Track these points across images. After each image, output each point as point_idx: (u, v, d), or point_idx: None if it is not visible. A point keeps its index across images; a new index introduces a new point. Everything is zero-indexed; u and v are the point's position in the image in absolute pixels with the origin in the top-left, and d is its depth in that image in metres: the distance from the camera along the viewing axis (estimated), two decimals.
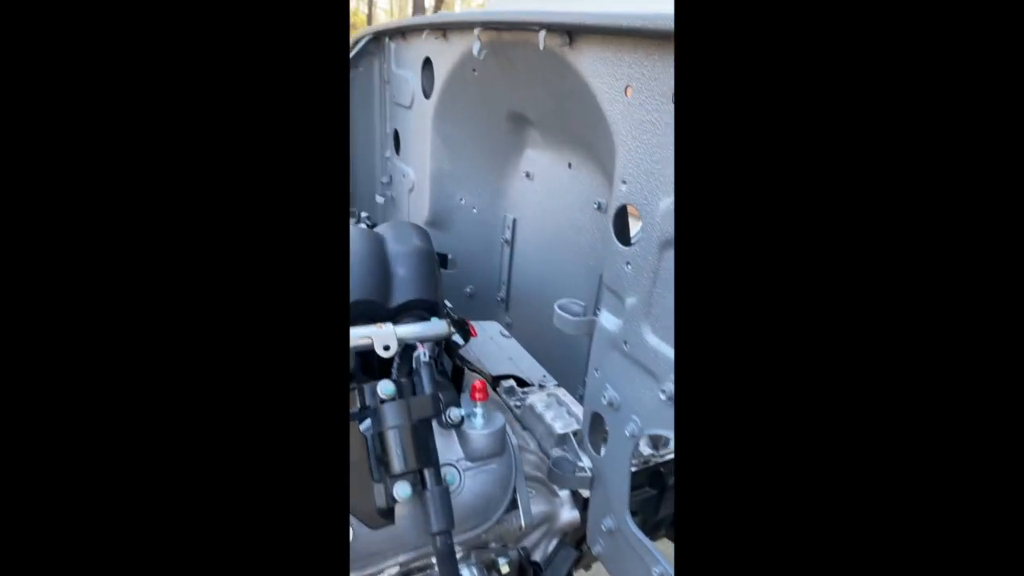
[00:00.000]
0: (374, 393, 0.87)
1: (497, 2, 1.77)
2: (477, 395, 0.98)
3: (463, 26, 1.38)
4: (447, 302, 1.49)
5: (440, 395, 0.94)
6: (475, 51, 1.27)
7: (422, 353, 0.93)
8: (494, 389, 2.08)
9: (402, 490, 0.82)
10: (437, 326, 1.07)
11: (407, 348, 0.99)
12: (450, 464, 0.95)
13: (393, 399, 0.87)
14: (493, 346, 2.00)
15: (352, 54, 1.98)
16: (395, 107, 1.97)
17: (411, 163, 1.93)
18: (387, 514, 0.84)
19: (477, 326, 2.01)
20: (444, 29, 1.49)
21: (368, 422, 0.88)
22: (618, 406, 0.93)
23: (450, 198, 1.81)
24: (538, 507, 1.27)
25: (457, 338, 1.09)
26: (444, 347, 1.12)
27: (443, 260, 1.90)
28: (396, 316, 1.14)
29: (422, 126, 1.76)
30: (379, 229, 1.37)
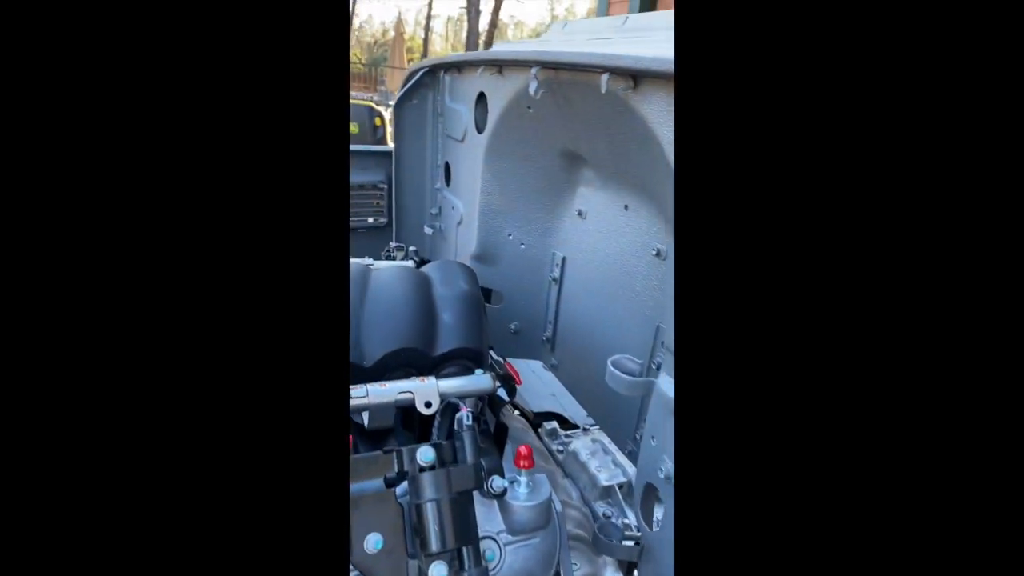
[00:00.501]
0: (412, 459, 0.82)
1: (551, 34, 1.74)
2: (522, 462, 0.91)
3: (520, 63, 1.34)
4: (492, 350, 1.44)
5: (483, 461, 0.88)
6: (531, 90, 1.22)
7: (465, 416, 0.87)
8: (535, 429, 2.01)
9: (438, 572, 0.76)
10: (482, 381, 1.01)
11: (449, 405, 0.94)
12: (490, 537, 0.88)
13: (432, 467, 0.81)
14: (536, 380, 1.92)
15: (407, 86, 1.99)
16: (447, 140, 1.95)
17: (461, 196, 1.90)
18: None
19: (520, 364, 1.94)
20: (500, 65, 1.46)
21: (405, 486, 0.83)
22: None
23: (498, 232, 1.76)
24: (580, 572, 1.18)
25: (502, 393, 1.02)
26: (488, 402, 1.06)
27: (488, 295, 1.85)
28: (439, 365, 1.09)
29: (473, 160, 1.73)
30: (427, 269, 1.34)
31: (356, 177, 2.40)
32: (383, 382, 0.95)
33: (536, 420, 2.08)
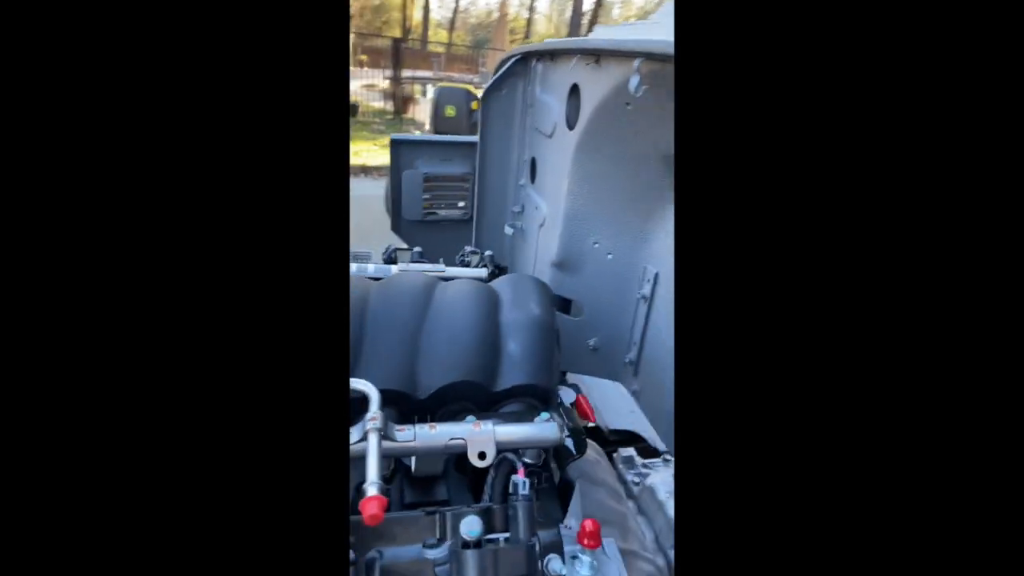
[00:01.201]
0: (456, 527, 0.70)
1: (661, 15, 1.52)
2: (586, 541, 0.76)
3: (621, 54, 1.15)
4: (567, 377, 1.29)
5: (539, 536, 0.74)
6: (632, 86, 1.04)
7: (521, 483, 0.74)
8: (610, 456, 1.84)
9: None
10: (546, 430, 0.86)
11: (505, 460, 0.81)
12: None
13: (478, 543, 0.69)
14: (614, 392, 1.75)
15: (498, 75, 1.85)
16: (535, 134, 1.80)
17: (545, 196, 1.75)
18: None
19: (597, 386, 1.77)
20: (597, 55, 1.28)
21: (443, 552, 0.71)
22: None
23: (583, 239, 1.60)
24: None
25: (570, 443, 0.88)
26: (553, 454, 0.91)
27: (566, 306, 1.70)
28: (500, 402, 0.96)
29: (562, 158, 1.57)
30: (498, 284, 1.20)
31: (442, 168, 2.33)
32: (432, 424, 0.83)
33: (611, 440, 1.91)
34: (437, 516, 0.75)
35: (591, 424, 1.25)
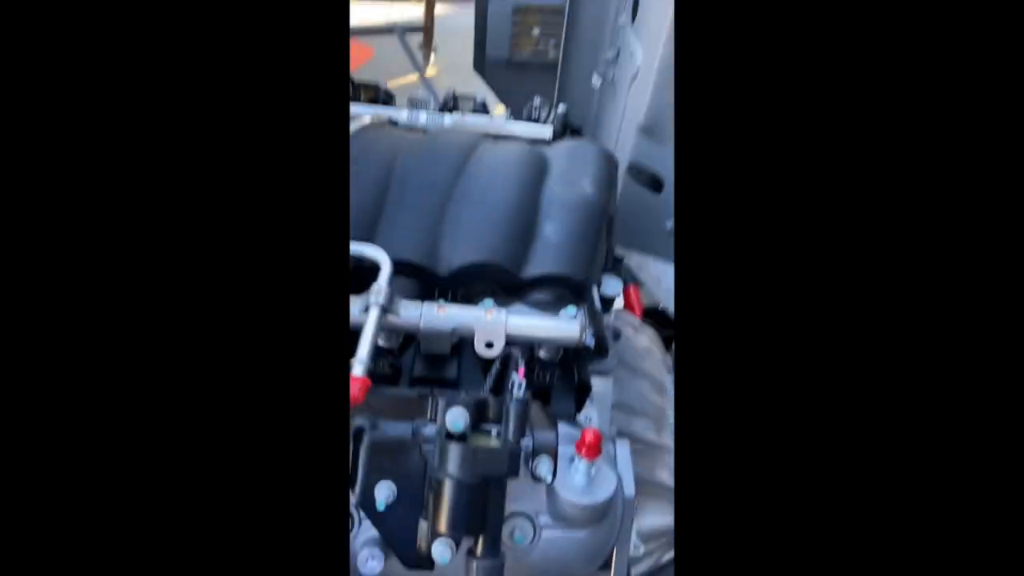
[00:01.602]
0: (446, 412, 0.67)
1: None
2: (584, 451, 0.71)
3: None
4: (631, 262, 1.15)
5: (532, 438, 0.70)
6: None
7: (516, 385, 0.68)
8: (669, 344, 1.74)
9: (440, 554, 0.64)
10: (566, 327, 0.78)
11: (510, 355, 0.74)
12: (525, 516, 0.74)
13: (463, 436, 0.66)
14: None
15: None
16: None
17: (643, 40, 1.45)
18: (425, 561, 0.69)
19: (665, 273, 1.61)
20: None
21: (432, 433, 0.69)
22: None
23: None
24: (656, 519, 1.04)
25: (590, 339, 0.79)
26: (573, 353, 0.83)
27: (656, 183, 1.49)
28: (527, 290, 0.87)
29: None
30: (553, 151, 1.04)
31: None
32: (442, 304, 0.77)
33: (668, 336, 1.80)
34: (429, 399, 0.72)
35: (636, 318, 1.14)
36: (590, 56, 1.72)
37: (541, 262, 0.86)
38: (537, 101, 1.32)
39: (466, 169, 0.93)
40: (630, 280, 1.10)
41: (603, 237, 0.93)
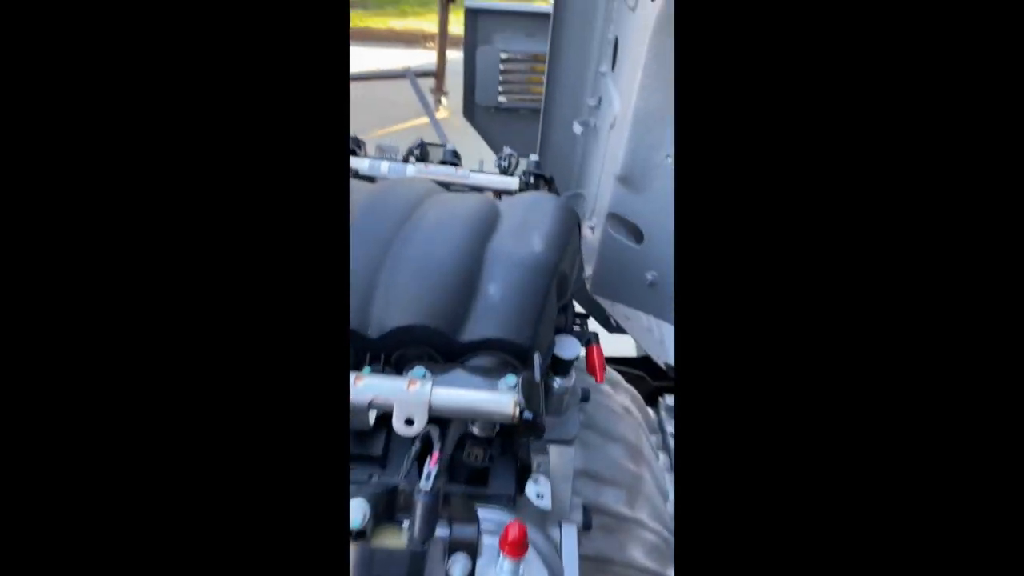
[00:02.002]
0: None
1: None
2: (507, 549, 0.62)
3: None
4: (588, 318, 1.08)
5: (450, 531, 0.62)
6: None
7: (425, 477, 0.60)
8: (653, 403, 1.64)
9: None
10: (496, 402, 0.70)
11: (428, 438, 0.67)
12: None
13: (362, 533, 0.58)
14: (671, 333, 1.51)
15: None
16: (621, 5, 1.42)
17: (620, 88, 1.41)
18: None
19: (656, 325, 1.53)
20: None
21: None
22: None
23: (654, 150, 1.29)
24: None
25: (527, 415, 0.71)
26: (508, 431, 0.76)
27: (637, 233, 1.42)
28: (465, 355, 0.80)
29: (639, 40, 1.22)
30: (508, 203, 0.99)
31: (525, 45, 2.00)
32: (359, 375, 0.71)
33: (655, 390, 1.70)
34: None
35: (599, 383, 1.06)
36: (572, 103, 1.69)
37: (481, 325, 0.79)
38: (507, 150, 1.28)
39: (409, 222, 0.88)
40: (594, 340, 1.02)
41: (552, 296, 0.86)
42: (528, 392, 0.70)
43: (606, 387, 1.33)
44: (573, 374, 0.97)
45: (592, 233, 1.64)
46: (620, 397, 1.32)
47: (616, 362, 1.97)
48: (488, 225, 0.90)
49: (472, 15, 1.97)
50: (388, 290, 0.81)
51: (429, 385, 0.70)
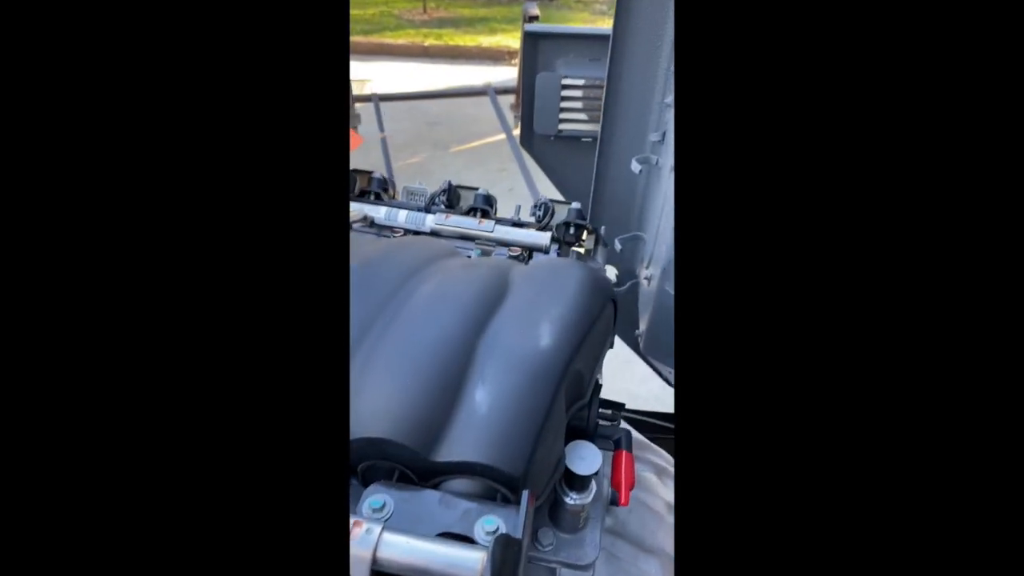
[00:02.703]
0: None
1: None
2: None
3: None
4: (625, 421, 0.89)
5: None
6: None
7: None
8: None
9: None
10: (459, 565, 0.54)
11: None
12: None
13: None
14: None
15: None
16: None
17: None
18: None
19: None
20: None
21: None
22: None
23: None
24: None
25: None
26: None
27: None
28: (437, 478, 0.65)
29: None
30: (524, 272, 0.83)
31: (588, 71, 1.83)
32: None
33: None
34: None
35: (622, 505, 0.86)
36: (634, 136, 1.49)
37: (460, 444, 0.64)
38: (542, 198, 1.12)
39: (396, 300, 0.74)
40: (624, 443, 0.83)
41: (559, 404, 0.69)
42: (502, 556, 0.53)
43: (648, 476, 1.13)
44: (593, 486, 0.79)
45: (648, 284, 1.43)
46: (664, 492, 1.11)
47: (666, 417, 1.73)
48: (489, 306, 0.74)
49: (532, 39, 1.83)
50: (357, 391, 0.67)
51: (377, 531, 0.55)
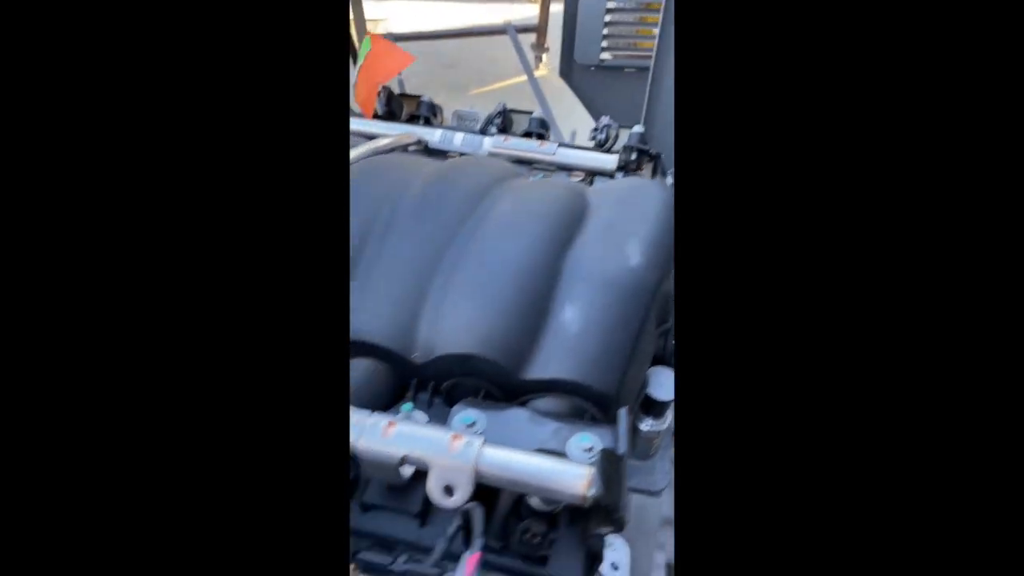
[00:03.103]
0: None
1: None
2: None
3: None
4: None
5: None
6: None
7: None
8: None
9: None
10: (566, 476, 0.52)
11: (468, 512, 0.51)
12: None
13: None
14: None
15: None
16: None
17: None
18: None
19: None
20: None
21: None
22: None
23: None
24: None
25: (599, 493, 0.53)
26: (577, 509, 0.58)
27: None
28: (529, 394, 0.63)
29: None
30: (601, 193, 0.78)
31: None
32: (392, 420, 0.56)
33: None
34: (354, 566, 0.51)
35: None
36: None
37: (551, 361, 0.61)
38: (604, 120, 1.05)
39: (470, 220, 0.71)
40: None
41: (649, 325, 0.66)
42: (607, 471, 0.52)
43: None
44: (669, 415, 0.77)
45: None
46: None
47: None
48: (571, 225, 0.70)
49: None
50: (440, 307, 0.65)
51: (477, 444, 0.53)
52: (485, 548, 0.52)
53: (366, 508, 0.63)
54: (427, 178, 0.78)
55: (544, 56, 5.70)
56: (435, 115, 1.15)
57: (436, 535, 0.57)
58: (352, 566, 0.51)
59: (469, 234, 0.69)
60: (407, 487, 0.62)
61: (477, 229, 0.69)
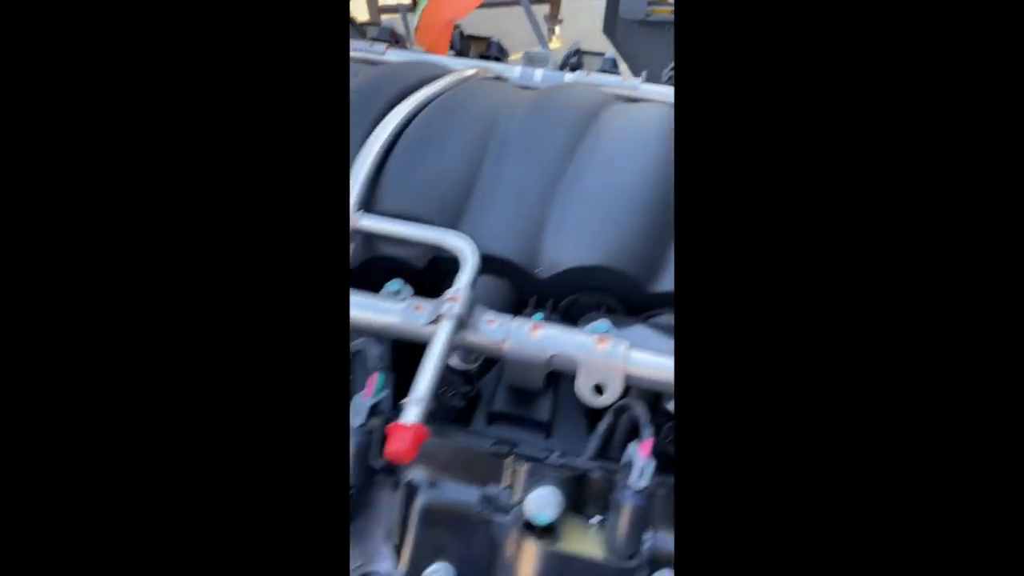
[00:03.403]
0: (529, 485, 0.46)
1: None
2: None
3: None
4: None
5: (654, 539, 0.47)
6: None
7: (638, 471, 0.44)
8: None
9: None
10: None
11: (624, 409, 0.51)
12: None
13: (551, 528, 0.44)
14: None
15: None
16: None
17: None
18: None
19: None
20: None
21: (506, 516, 0.49)
22: None
23: None
24: None
25: None
26: None
27: None
28: (655, 310, 0.63)
29: None
30: None
31: None
32: (537, 323, 0.56)
33: None
34: (507, 462, 0.51)
35: None
36: None
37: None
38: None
39: (587, 136, 0.70)
40: None
41: None
42: None
43: None
44: None
45: None
46: None
47: None
48: None
49: None
50: (563, 220, 0.64)
51: (624, 347, 0.54)
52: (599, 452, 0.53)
53: (492, 419, 0.63)
54: (532, 99, 0.77)
55: (557, 28, 5.62)
56: (505, 56, 1.13)
57: (558, 448, 0.58)
58: (510, 457, 0.51)
59: (589, 150, 0.68)
60: (535, 395, 0.63)
61: (596, 145, 0.68)
